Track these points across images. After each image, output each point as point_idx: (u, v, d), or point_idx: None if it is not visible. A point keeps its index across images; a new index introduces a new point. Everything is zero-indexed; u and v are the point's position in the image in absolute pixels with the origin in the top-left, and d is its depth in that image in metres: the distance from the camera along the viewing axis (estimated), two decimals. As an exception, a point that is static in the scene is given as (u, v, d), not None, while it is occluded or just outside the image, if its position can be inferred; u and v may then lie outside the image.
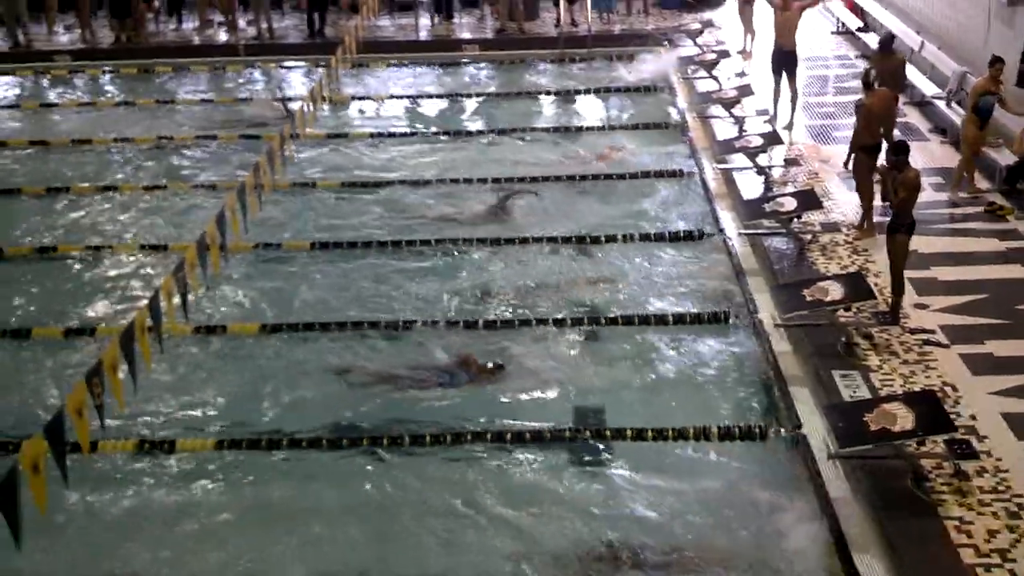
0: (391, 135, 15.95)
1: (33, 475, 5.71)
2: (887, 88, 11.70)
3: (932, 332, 9.44)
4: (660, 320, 10.17)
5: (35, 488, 5.72)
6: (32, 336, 10.21)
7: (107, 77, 20.10)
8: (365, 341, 10.05)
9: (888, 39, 13.87)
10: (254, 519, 7.75)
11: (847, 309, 9.49)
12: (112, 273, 11.67)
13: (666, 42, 19.75)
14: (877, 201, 11.13)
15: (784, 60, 14.68)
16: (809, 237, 11.37)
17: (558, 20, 21.15)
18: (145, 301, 7.86)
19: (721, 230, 11.92)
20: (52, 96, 19.22)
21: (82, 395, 6.34)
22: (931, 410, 7.61)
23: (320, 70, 15.89)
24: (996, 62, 11.98)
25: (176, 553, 7.40)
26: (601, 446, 8.41)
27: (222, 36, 21.81)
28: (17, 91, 19.67)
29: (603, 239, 11.94)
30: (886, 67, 12.68)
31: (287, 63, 20.00)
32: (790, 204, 11.54)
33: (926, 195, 12.09)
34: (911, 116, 14.43)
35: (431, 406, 9.02)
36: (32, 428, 6.32)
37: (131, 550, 7.42)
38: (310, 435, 8.56)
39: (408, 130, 16.27)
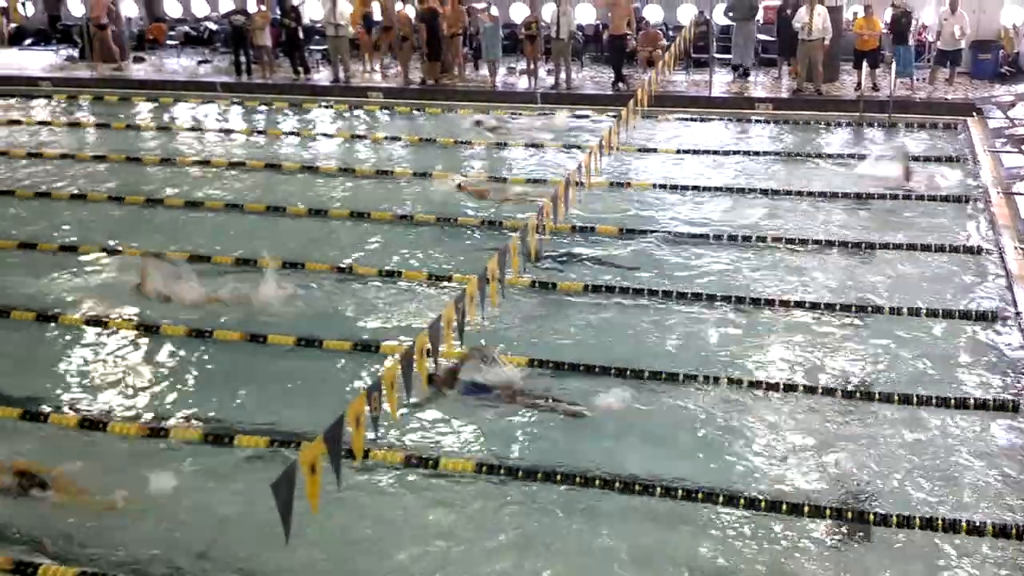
0: (672, 187, 16.08)
1: (309, 475, 6.08)
2: None
3: None
4: (942, 402, 9.59)
5: (310, 487, 6.08)
6: (324, 347, 10.95)
7: (413, 113, 21.62)
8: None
9: None
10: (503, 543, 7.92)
11: None
12: (400, 296, 12.36)
13: (973, 112, 18.75)
14: None
15: None
16: (1120, 333, 10.38)
17: (858, 84, 20.55)
18: (425, 325, 8.26)
19: (1019, 313, 11.13)
20: (361, 129, 20.81)
21: (361, 406, 6.73)
22: None
23: (610, 120, 16.30)
24: None
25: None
26: (861, 530, 7.97)
27: (523, 83, 22.84)
28: (335, 122, 21.49)
29: (885, 310, 11.45)
30: None
31: (579, 111, 20.71)
32: (1100, 295, 10.60)
33: None
34: None
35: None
36: (314, 431, 6.71)
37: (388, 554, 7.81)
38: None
39: (688, 184, 16.32)
